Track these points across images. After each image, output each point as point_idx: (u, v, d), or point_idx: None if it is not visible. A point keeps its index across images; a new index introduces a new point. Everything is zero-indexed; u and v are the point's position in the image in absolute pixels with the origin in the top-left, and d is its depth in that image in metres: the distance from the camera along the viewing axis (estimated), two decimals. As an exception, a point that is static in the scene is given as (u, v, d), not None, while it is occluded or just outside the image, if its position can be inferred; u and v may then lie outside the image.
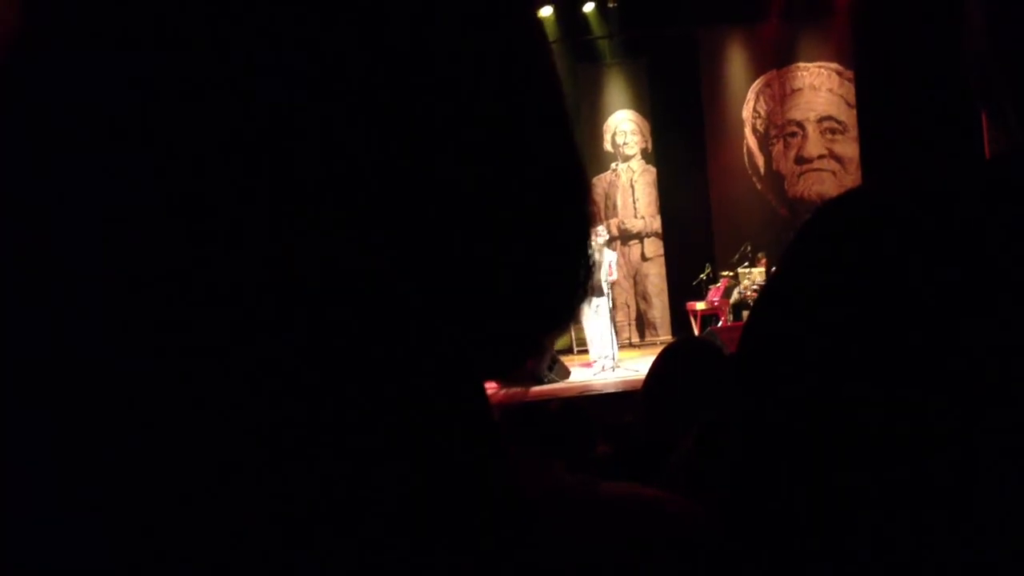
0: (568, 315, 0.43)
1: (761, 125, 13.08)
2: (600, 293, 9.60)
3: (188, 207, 0.35)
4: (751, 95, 13.07)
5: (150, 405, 0.33)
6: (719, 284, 11.52)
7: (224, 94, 0.37)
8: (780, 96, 12.99)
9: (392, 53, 0.37)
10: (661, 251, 13.17)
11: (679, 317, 12.56)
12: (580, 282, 0.43)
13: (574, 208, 0.42)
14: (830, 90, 12.86)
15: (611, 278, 9.64)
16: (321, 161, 0.37)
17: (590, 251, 0.42)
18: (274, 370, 0.34)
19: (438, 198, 0.38)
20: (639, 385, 2.76)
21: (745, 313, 10.47)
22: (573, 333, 12.00)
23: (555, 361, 9.63)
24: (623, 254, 12.75)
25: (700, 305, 11.55)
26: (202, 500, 0.32)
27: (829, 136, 12.89)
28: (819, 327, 0.54)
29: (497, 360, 0.42)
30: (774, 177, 13.05)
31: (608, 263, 9.69)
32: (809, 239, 0.59)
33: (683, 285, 12.32)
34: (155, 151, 0.36)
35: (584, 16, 12.71)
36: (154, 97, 0.36)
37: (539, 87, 0.42)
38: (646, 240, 13.17)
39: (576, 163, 0.42)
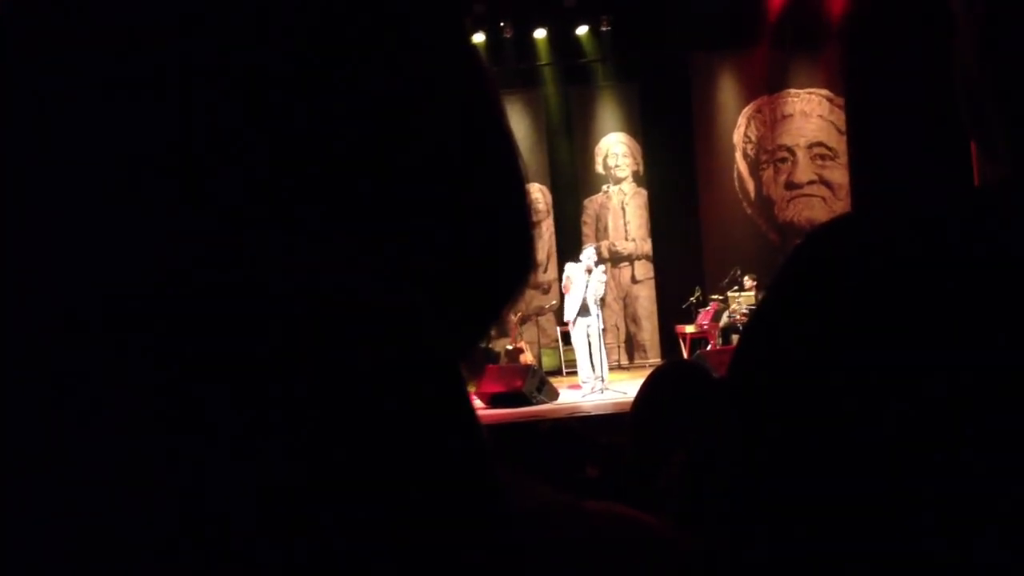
0: (519, 284, 0.48)
1: (752, 150, 13.15)
2: (587, 313, 9.60)
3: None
4: (742, 120, 13.14)
5: (150, 413, 0.33)
6: (709, 308, 11.54)
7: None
8: (771, 121, 13.07)
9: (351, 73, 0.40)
10: (651, 274, 13.20)
11: (668, 340, 12.57)
12: (527, 255, 0.48)
13: (515, 189, 0.47)
14: (821, 116, 12.95)
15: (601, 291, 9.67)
16: (292, 167, 0.38)
17: (531, 227, 0.48)
18: (268, 388, 0.34)
19: (400, 191, 0.41)
20: (628, 407, 2.76)
21: (734, 337, 10.48)
22: (562, 354, 12.00)
23: (544, 382, 9.61)
24: (613, 276, 12.76)
25: (690, 328, 11.56)
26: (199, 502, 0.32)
27: (819, 162, 12.96)
28: (808, 352, 0.54)
29: (461, 334, 0.45)
30: (764, 202, 13.11)
31: (599, 281, 9.68)
32: (799, 265, 0.59)
33: (673, 308, 12.34)
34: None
35: (577, 39, 12.79)
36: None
37: (480, 101, 0.46)
38: (636, 263, 13.20)
39: (515, 158, 0.47)
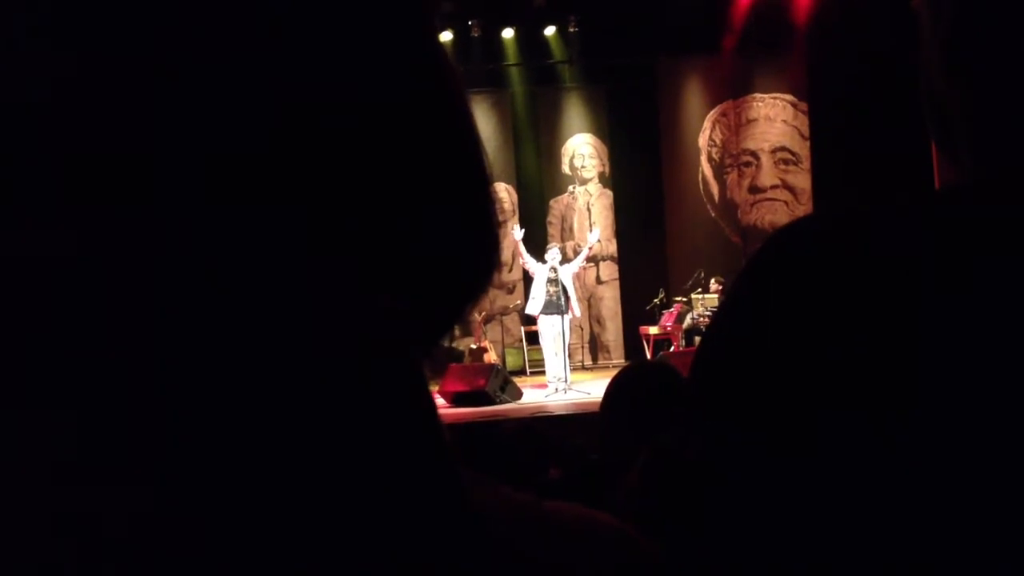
0: (483, 283, 0.48)
1: (716, 154, 13.26)
2: (557, 311, 9.61)
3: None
4: (707, 124, 13.25)
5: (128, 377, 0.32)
6: (672, 309, 11.63)
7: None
8: (735, 126, 13.19)
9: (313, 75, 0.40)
10: (616, 275, 13.26)
11: (632, 341, 12.64)
12: (492, 254, 0.48)
13: (480, 187, 0.47)
14: (784, 121, 13.08)
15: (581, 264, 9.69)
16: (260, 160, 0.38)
17: (496, 226, 0.48)
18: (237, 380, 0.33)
19: (363, 190, 0.41)
20: (591, 408, 2.77)
21: (697, 339, 10.57)
22: (527, 354, 12.02)
23: (507, 382, 9.61)
24: (578, 277, 12.82)
25: (653, 330, 11.64)
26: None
27: (782, 167, 13.10)
28: (768, 353, 0.55)
29: (424, 332, 0.45)
30: (728, 205, 13.23)
31: (565, 275, 9.70)
32: (760, 267, 0.59)
33: (637, 309, 12.41)
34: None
35: (545, 40, 12.82)
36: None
37: (444, 94, 0.46)
38: (601, 263, 13.26)
39: (480, 157, 0.47)
